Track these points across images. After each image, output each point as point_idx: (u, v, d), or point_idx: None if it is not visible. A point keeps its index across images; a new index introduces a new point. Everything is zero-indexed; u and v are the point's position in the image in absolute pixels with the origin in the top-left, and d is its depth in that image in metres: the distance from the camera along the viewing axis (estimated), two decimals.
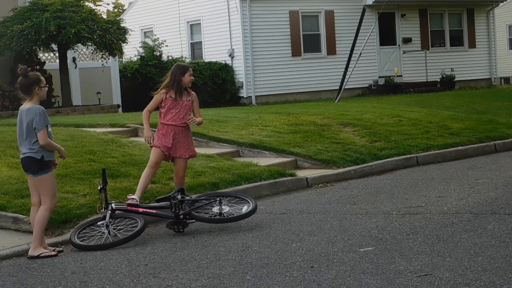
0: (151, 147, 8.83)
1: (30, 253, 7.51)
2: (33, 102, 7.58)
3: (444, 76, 28.22)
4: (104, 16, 30.27)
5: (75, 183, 9.55)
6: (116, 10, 50.61)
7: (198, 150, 12.01)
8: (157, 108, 8.89)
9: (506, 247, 6.61)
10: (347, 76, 23.48)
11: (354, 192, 10.22)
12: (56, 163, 7.81)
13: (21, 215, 8.41)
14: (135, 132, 13.88)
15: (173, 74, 8.86)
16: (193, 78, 9.00)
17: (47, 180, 7.58)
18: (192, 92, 9.03)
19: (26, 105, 7.59)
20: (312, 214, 8.80)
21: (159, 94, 8.82)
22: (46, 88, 7.71)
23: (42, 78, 7.70)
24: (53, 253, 7.55)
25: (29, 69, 7.79)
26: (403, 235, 7.39)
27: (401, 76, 27.55)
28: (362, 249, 6.89)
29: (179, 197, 8.33)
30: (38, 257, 7.44)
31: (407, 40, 28.28)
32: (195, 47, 27.32)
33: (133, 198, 8.44)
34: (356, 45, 23.57)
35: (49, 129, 7.62)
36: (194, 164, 10.88)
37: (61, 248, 7.79)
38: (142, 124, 9.08)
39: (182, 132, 8.83)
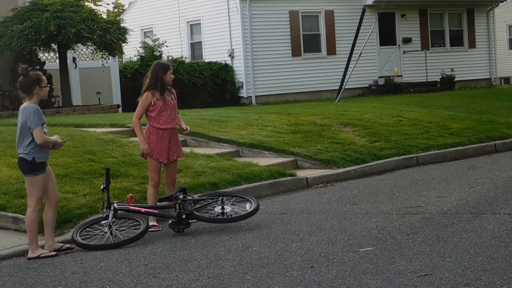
0: (143, 156, 8.71)
1: (30, 255, 7.50)
2: (32, 102, 7.49)
3: (444, 76, 28.22)
4: (104, 16, 30.29)
5: (75, 183, 9.55)
6: (116, 10, 50.61)
7: (198, 150, 12.07)
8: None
9: (506, 247, 6.61)
10: (347, 76, 23.47)
11: (354, 192, 10.22)
12: (62, 144, 7.63)
13: (21, 215, 8.40)
14: (135, 132, 13.84)
15: (154, 73, 8.57)
16: (173, 76, 8.74)
17: (37, 182, 7.50)
18: (172, 89, 8.80)
19: (24, 105, 7.53)
20: (312, 214, 8.80)
21: (145, 97, 8.55)
22: (47, 88, 7.62)
23: (43, 77, 7.61)
24: (53, 253, 7.54)
25: (30, 68, 7.73)
26: (403, 235, 7.39)
27: (401, 76, 27.55)
28: (362, 249, 6.89)
29: (181, 196, 8.30)
30: (38, 257, 7.44)
31: (407, 40, 28.28)
32: (195, 47, 27.32)
33: (155, 225, 8.45)
34: (356, 45, 23.57)
35: (45, 129, 7.51)
36: (194, 164, 10.89)
37: (68, 245, 7.75)
38: (143, 124, 9.00)
39: (176, 133, 8.76)
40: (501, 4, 31.41)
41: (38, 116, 7.40)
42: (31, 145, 7.43)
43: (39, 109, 7.47)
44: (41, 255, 7.46)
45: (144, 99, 8.58)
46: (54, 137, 7.62)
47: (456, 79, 28.45)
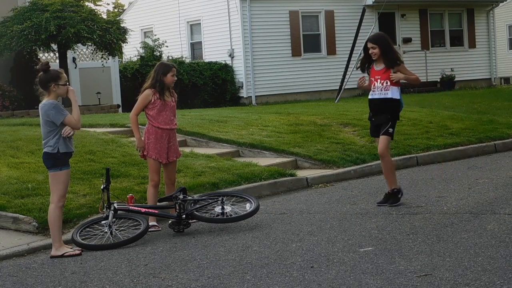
0: (143, 157, 8.73)
1: (53, 253, 7.45)
2: (50, 99, 7.43)
3: (444, 76, 28.23)
4: (104, 16, 30.29)
5: (75, 183, 9.54)
6: (116, 10, 50.62)
7: (198, 150, 12.07)
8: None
9: (506, 247, 6.61)
10: (347, 76, 23.48)
11: (354, 192, 10.22)
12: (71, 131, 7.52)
13: (21, 215, 8.40)
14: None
15: (155, 73, 8.54)
16: (175, 78, 8.66)
17: (61, 177, 7.46)
18: (175, 93, 8.79)
19: (43, 101, 7.48)
20: (312, 214, 8.80)
21: (146, 95, 8.50)
22: (65, 86, 7.46)
23: (63, 75, 7.50)
24: (77, 252, 7.50)
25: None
26: (403, 235, 7.39)
27: None
28: (362, 249, 6.89)
29: (181, 196, 8.30)
30: (62, 256, 7.39)
31: (407, 40, 28.29)
32: (195, 47, 27.34)
33: (155, 225, 8.45)
34: (356, 45, 23.58)
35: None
36: (194, 164, 10.89)
37: (79, 251, 7.71)
38: (142, 124, 8.99)
39: (174, 134, 8.73)
40: (501, 4, 31.42)
41: (58, 111, 7.34)
42: (54, 139, 7.39)
43: (58, 104, 7.40)
44: (65, 254, 7.41)
45: (144, 96, 8.53)
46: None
47: (456, 79, 28.46)
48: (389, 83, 8.80)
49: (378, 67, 8.89)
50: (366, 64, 9.01)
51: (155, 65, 8.83)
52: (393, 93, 8.82)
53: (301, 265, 6.48)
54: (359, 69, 9.14)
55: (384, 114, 8.87)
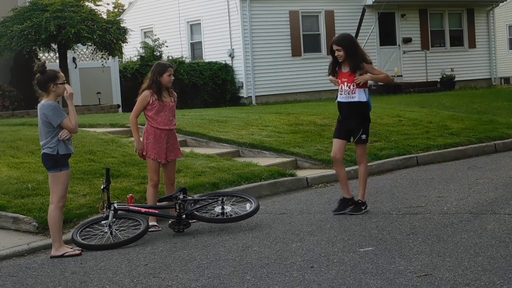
0: (142, 157, 8.72)
1: (53, 253, 7.45)
2: (49, 99, 7.43)
3: (444, 76, 28.23)
4: (104, 16, 30.27)
5: (75, 183, 9.54)
6: (116, 10, 50.61)
7: (198, 150, 12.07)
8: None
9: (506, 247, 6.61)
10: None
11: (354, 192, 10.19)
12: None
13: (21, 215, 8.40)
14: None
15: (152, 74, 8.52)
16: (172, 78, 8.60)
17: (61, 178, 7.45)
18: (174, 93, 8.78)
19: (41, 102, 7.47)
20: (312, 214, 8.80)
21: (144, 96, 8.50)
22: (63, 85, 7.46)
23: (60, 74, 7.50)
24: (77, 252, 7.50)
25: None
26: (403, 235, 7.39)
27: (401, 76, 27.56)
28: (362, 249, 6.89)
29: (181, 196, 8.30)
30: (62, 256, 7.39)
31: (407, 40, 28.29)
32: (195, 47, 27.34)
33: (155, 225, 8.44)
34: None
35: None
36: (194, 164, 10.89)
37: (79, 251, 7.71)
38: (142, 124, 8.98)
39: (174, 134, 8.73)
40: (501, 4, 31.43)
41: (57, 113, 7.35)
42: (53, 140, 7.38)
43: (57, 106, 7.41)
44: (65, 254, 7.41)
45: (142, 97, 8.53)
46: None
47: (456, 79, 28.46)
48: (355, 86, 8.60)
49: (345, 69, 8.65)
50: (335, 67, 8.73)
51: (152, 66, 8.83)
52: (360, 96, 8.62)
53: (301, 265, 6.48)
54: (330, 75, 8.81)
55: (353, 119, 8.68)
